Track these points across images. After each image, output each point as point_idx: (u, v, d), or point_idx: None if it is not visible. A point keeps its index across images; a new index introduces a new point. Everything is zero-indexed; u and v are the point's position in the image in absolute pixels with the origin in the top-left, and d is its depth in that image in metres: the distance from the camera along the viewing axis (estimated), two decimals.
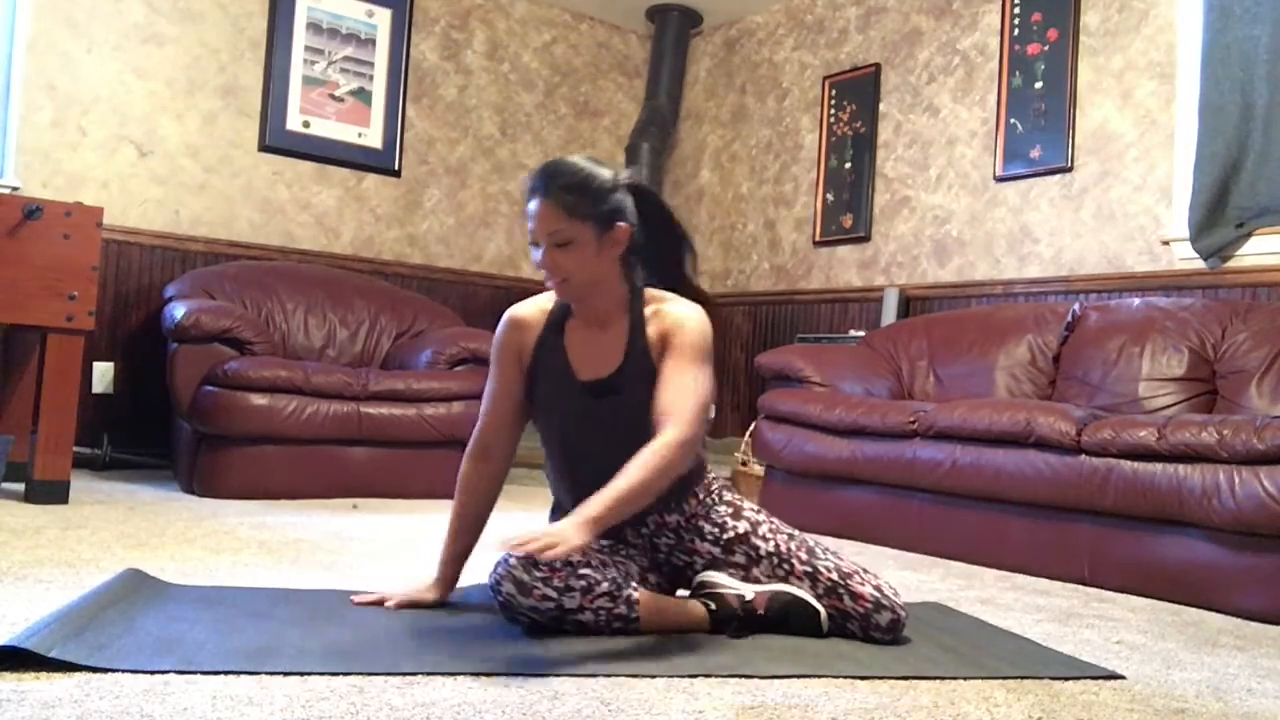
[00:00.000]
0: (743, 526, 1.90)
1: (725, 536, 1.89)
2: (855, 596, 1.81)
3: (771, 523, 1.93)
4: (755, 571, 1.87)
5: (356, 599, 1.88)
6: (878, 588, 1.83)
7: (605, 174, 1.83)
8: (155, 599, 1.79)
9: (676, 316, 1.82)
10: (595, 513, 1.57)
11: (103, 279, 4.03)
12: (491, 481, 1.97)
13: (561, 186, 1.77)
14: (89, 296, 2.99)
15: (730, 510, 1.92)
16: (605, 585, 1.70)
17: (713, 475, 1.99)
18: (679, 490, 1.86)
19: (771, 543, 1.88)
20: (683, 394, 1.73)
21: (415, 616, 1.80)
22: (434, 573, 1.95)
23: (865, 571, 1.87)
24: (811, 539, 1.93)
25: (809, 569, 1.85)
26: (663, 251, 1.92)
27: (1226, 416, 2.58)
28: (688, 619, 1.80)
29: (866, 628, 1.81)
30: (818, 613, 1.82)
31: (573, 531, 1.52)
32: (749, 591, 1.83)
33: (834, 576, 1.84)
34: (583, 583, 1.68)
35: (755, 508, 1.97)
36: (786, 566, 1.86)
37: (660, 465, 1.65)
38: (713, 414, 1.91)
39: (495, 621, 1.80)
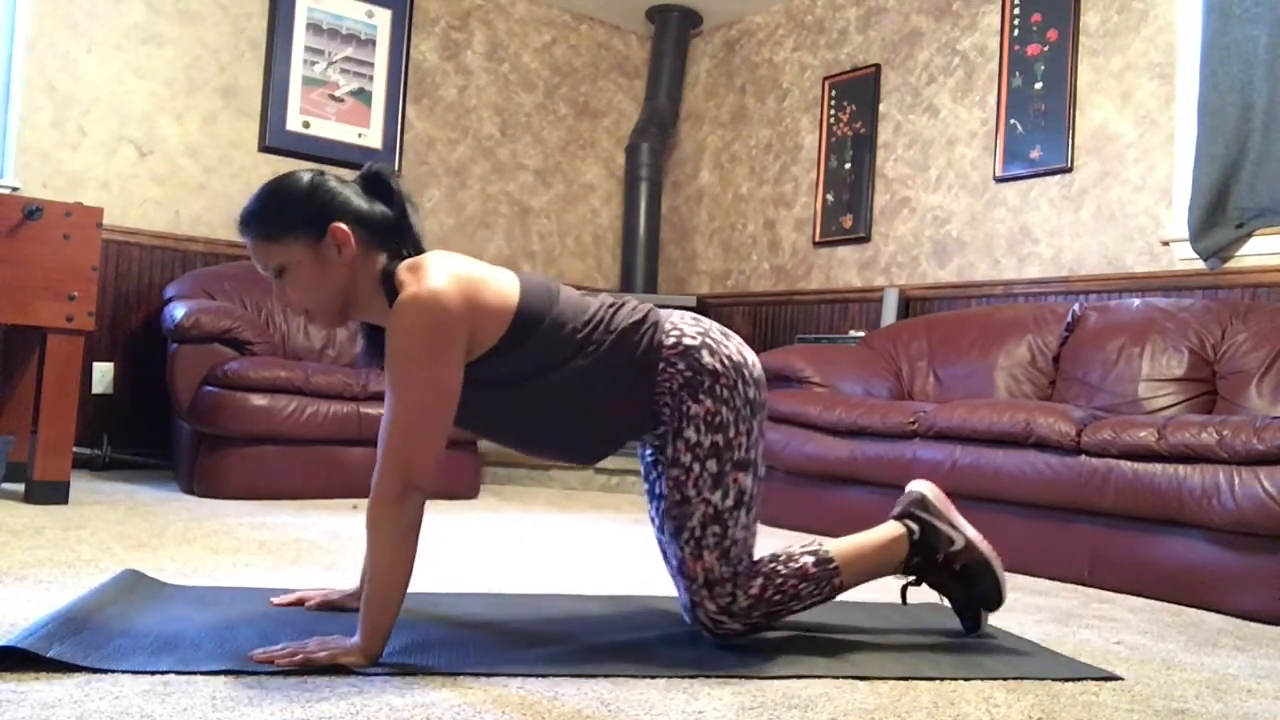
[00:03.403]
0: (690, 464, 1.67)
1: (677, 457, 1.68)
2: (685, 577, 1.68)
3: (718, 487, 1.66)
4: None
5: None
6: (725, 600, 1.65)
7: (298, 181, 1.61)
8: (154, 599, 1.79)
9: (389, 320, 1.54)
10: (362, 641, 1.48)
11: (103, 279, 4.03)
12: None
13: (252, 216, 1.59)
14: (89, 297, 2.99)
15: (694, 438, 1.67)
16: (807, 588, 1.71)
17: (675, 340, 1.70)
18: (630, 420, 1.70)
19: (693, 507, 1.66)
20: (383, 433, 1.52)
21: (415, 618, 1.80)
22: (355, 583, 1.91)
23: (738, 590, 1.66)
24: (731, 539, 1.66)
25: (676, 538, 1.68)
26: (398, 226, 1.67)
27: (1226, 417, 2.58)
28: (877, 546, 1.81)
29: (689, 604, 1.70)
30: (1000, 591, 1.83)
31: (353, 657, 1.46)
32: (960, 540, 1.82)
33: (685, 550, 1.67)
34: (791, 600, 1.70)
35: (719, 444, 1.67)
36: (667, 522, 1.69)
37: (374, 552, 1.49)
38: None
39: (494, 623, 1.80)
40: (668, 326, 1.72)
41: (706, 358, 1.68)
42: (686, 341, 1.69)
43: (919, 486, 1.90)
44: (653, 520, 1.81)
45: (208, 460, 3.41)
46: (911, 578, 1.86)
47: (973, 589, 1.85)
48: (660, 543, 1.81)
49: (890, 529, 1.84)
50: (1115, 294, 3.74)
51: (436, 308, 1.51)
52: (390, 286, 1.60)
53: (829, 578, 1.73)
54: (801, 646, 1.75)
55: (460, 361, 1.56)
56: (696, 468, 1.66)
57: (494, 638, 1.69)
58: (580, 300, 1.71)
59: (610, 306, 1.72)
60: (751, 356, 1.76)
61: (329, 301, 1.62)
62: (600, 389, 1.67)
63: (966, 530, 1.86)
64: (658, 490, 1.75)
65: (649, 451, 1.80)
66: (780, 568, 1.71)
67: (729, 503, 1.67)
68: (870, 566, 1.80)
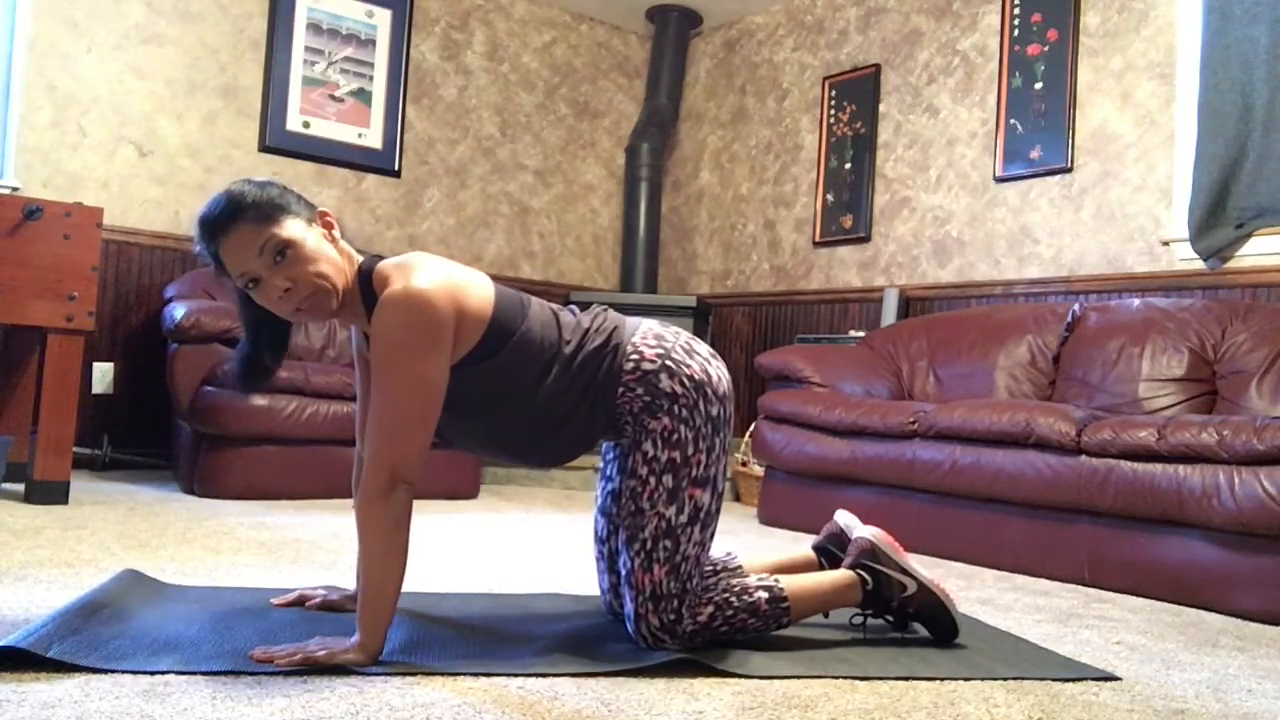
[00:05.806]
0: (636, 483, 1.67)
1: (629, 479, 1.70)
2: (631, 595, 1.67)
3: (671, 496, 1.65)
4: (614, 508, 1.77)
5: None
6: (670, 618, 1.63)
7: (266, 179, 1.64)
8: (154, 599, 1.79)
9: (376, 314, 1.53)
10: (361, 639, 1.49)
11: (103, 279, 4.03)
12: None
13: (244, 200, 1.53)
14: (89, 297, 2.99)
15: (651, 453, 1.67)
16: (755, 623, 1.71)
17: (640, 356, 1.70)
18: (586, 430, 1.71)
19: (648, 522, 1.66)
20: (370, 428, 1.52)
21: (415, 618, 1.80)
22: (354, 584, 1.90)
23: (683, 604, 1.64)
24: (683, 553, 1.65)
25: (628, 547, 1.66)
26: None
27: (1226, 417, 2.58)
28: (830, 591, 1.80)
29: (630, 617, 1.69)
30: (955, 628, 1.83)
31: (353, 655, 1.47)
32: (912, 585, 1.82)
33: (635, 560, 1.65)
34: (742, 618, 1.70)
35: (673, 452, 1.66)
36: (622, 535, 1.68)
37: (365, 548, 1.50)
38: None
39: (494, 623, 1.80)
40: (629, 349, 1.70)
41: (665, 381, 1.68)
42: (645, 366, 1.68)
43: (865, 534, 1.89)
44: (596, 500, 1.88)
45: (208, 460, 3.41)
46: (869, 611, 1.87)
47: (928, 628, 1.86)
48: (597, 532, 1.86)
49: (845, 576, 1.84)
50: (1115, 294, 3.74)
51: (425, 305, 1.51)
52: (368, 285, 1.60)
53: (779, 616, 1.73)
54: (801, 646, 1.75)
55: (447, 358, 1.56)
56: (653, 481, 1.66)
57: (494, 638, 1.69)
58: (548, 317, 1.71)
59: (576, 329, 1.71)
60: (717, 372, 1.74)
61: (335, 273, 1.57)
62: (561, 410, 1.68)
63: (918, 573, 1.85)
64: (608, 473, 1.82)
65: (612, 443, 1.82)
66: (733, 599, 1.69)
67: (683, 518, 1.66)
68: (820, 607, 1.81)
